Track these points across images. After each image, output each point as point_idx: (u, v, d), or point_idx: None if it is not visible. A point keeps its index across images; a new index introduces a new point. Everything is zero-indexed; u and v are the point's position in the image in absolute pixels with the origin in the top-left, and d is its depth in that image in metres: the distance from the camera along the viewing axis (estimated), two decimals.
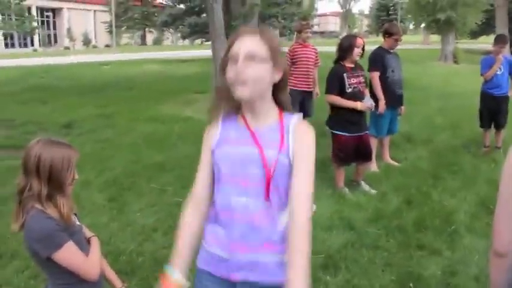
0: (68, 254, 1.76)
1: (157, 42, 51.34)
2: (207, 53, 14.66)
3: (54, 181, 1.77)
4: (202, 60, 19.45)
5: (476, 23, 22.50)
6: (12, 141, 6.88)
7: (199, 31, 21.62)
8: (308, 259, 1.41)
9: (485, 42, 21.41)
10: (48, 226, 1.74)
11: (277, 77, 1.58)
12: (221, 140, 1.62)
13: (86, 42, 51.49)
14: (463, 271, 3.27)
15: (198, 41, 25.55)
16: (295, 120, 1.60)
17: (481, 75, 6.35)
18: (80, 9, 54.78)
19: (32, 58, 25.68)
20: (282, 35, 27.39)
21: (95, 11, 56.26)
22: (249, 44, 1.53)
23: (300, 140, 1.55)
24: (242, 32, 1.58)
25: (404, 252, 3.57)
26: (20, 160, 1.81)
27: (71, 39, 51.81)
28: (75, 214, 1.94)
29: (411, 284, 3.13)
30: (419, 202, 4.55)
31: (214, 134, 1.65)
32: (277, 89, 1.62)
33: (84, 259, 1.82)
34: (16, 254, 3.45)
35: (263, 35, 1.55)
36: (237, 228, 1.56)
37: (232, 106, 1.63)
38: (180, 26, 23.02)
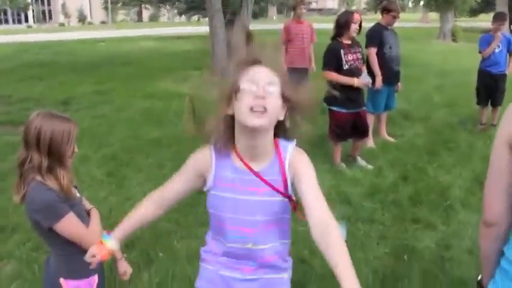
0: (69, 224, 1.80)
1: (154, 18, 50.74)
2: (204, 29, 14.53)
3: (54, 153, 1.79)
4: (199, 37, 19.25)
5: (475, 1, 22.31)
6: (10, 117, 6.88)
7: (196, 7, 21.37)
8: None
9: (485, 20, 21.23)
10: (49, 197, 1.77)
11: (281, 116, 1.50)
12: (217, 180, 1.55)
13: (81, 18, 50.86)
14: (457, 244, 3.34)
15: (195, 18, 25.31)
16: (290, 152, 1.53)
17: (479, 52, 6.35)
18: None
19: (27, 34, 25.39)
20: (279, 12, 27.14)
21: None
22: (267, 73, 1.46)
23: (300, 171, 1.50)
24: (251, 61, 1.48)
25: (399, 226, 3.63)
26: (18, 136, 1.83)
27: (66, 15, 51.15)
28: (75, 187, 1.96)
29: (405, 256, 3.19)
30: (415, 177, 4.60)
31: (206, 167, 1.56)
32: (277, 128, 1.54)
33: (85, 229, 1.86)
34: (17, 227, 3.49)
35: (275, 70, 1.49)
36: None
37: (225, 140, 1.52)
38: (177, 2, 22.74)
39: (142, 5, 51.38)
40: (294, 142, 1.55)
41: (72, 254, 1.85)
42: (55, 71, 11.53)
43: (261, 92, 1.41)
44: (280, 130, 1.53)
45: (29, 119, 1.82)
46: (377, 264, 3.09)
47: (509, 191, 1.28)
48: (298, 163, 1.51)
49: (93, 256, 1.58)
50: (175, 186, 1.63)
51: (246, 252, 1.57)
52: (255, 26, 12.46)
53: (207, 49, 10.53)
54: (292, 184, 1.51)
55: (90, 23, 49.06)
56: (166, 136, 5.89)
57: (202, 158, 1.57)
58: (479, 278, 1.46)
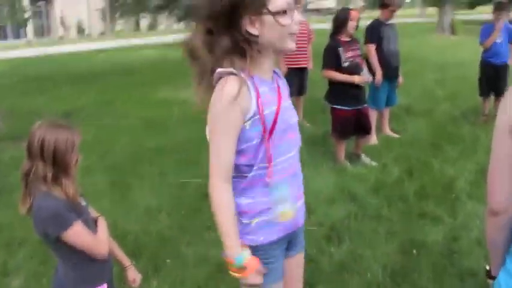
0: (77, 233, 1.79)
1: (152, 27, 50.89)
2: None
3: (58, 163, 1.79)
4: None
5: None
6: (13, 132, 6.88)
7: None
8: None
9: (485, 12, 21.13)
10: (56, 206, 1.77)
11: None
12: (264, 99, 1.53)
13: (80, 30, 51.07)
14: (465, 236, 3.32)
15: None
16: None
17: (480, 43, 6.32)
18: None
19: (27, 49, 25.50)
20: None
21: None
22: None
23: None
24: None
25: (406, 221, 3.62)
26: (22, 151, 1.83)
27: (65, 28, 51.34)
28: (81, 195, 1.96)
29: (414, 251, 3.17)
30: (420, 172, 4.58)
31: (249, 97, 1.50)
32: None
33: (93, 237, 1.86)
34: (24, 242, 3.50)
35: None
36: (295, 182, 1.67)
37: (246, 60, 1.51)
38: (175, 9, 22.73)
39: (140, 14, 51.50)
40: None
41: (80, 262, 1.85)
42: (56, 84, 11.55)
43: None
44: None
45: (32, 129, 1.82)
46: (386, 260, 3.08)
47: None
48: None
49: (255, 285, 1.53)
50: (232, 154, 1.52)
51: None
52: None
53: None
54: None
55: (89, 35, 49.22)
56: (169, 143, 5.89)
57: (240, 95, 1.46)
58: (487, 267, 1.45)
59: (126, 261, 2.14)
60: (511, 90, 1.26)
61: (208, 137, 1.55)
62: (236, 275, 1.51)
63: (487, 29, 6.25)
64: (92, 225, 1.93)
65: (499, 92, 6.28)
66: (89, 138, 6.06)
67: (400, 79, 5.74)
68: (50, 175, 1.78)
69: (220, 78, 1.51)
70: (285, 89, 1.68)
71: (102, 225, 1.99)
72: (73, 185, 1.85)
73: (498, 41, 6.15)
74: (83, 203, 1.95)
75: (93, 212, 2.03)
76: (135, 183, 4.68)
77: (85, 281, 1.88)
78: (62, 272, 1.90)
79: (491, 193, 1.31)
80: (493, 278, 1.39)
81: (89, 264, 1.87)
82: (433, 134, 5.79)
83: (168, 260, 3.22)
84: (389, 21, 5.54)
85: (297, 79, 6.14)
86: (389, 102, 5.73)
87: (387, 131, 5.89)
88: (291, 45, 1.53)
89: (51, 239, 1.79)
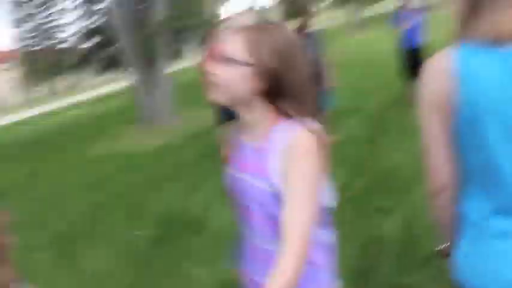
0: None
1: (72, 86, 49.70)
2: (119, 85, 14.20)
3: None
4: (118, 94, 19.19)
5: None
6: None
7: (115, 63, 21.06)
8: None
9: (388, 4, 22.25)
10: None
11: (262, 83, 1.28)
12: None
13: None
14: (420, 223, 3.36)
15: (109, 76, 24.82)
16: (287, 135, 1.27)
17: (395, 29, 6.57)
18: None
19: None
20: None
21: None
22: (225, 42, 1.32)
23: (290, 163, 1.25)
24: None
25: (361, 220, 3.62)
26: None
27: None
28: (21, 278, 1.77)
29: (372, 247, 3.17)
30: (363, 169, 4.63)
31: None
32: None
33: None
34: None
35: (238, 33, 1.29)
36: None
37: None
38: (96, 62, 22.29)
39: (58, 76, 50.17)
40: (301, 122, 1.28)
41: None
42: None
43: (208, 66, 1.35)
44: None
45: None
46: (348, 262, 3.04)
47: (448, 151, 1.24)
48: (291, 151, 1.25)
49: None
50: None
51: None
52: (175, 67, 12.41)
53: (130, 104, 10.35)
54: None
55: (4, 108, 47.26)
56: (109, 198, 5.65)
57: None
58: (438, 248, 1.42)
59: None
60: (427, 64, 1.23)
61: None
62: None
63: (396, 15, 6.54)
64: None
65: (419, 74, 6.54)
66: (25, 213, 5.71)
67: (329, 83, 5.79)
68: None
69: None
70: None
71: None
72: (8, 272, 1.67)
73: (410, 24, 6.43)
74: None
75: None
76: (82, 251, 4.41)
77: None
78: None
79: (432, 173, 1.29)
80: (447, 255, 1.37)
81: None
82: (367, 129, 5.91)
83: None
84: (307, 30, 5.61)
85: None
86: (321, 108, 5.79)
87: None
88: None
89: None
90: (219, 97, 1.31)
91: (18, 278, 1.69)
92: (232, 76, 1.27)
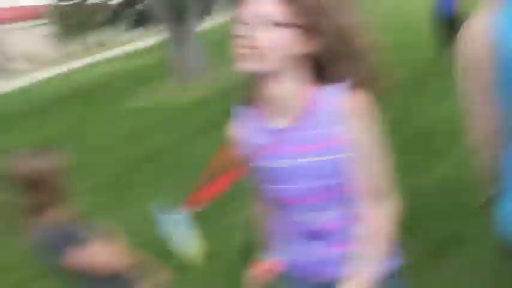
0: (84, 254, 1.74)
1: (102, 43, 49.92)
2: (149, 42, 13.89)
3: (49, 190, 1.76)
4: (148, 51, 19.24)
5: None
6: None
7: (145, 20, 20.91)
8: None
9: None
10: (57, 234, 1.73)
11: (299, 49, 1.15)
12: None
13: (30, 59, 49.74)
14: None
15: (139, 33, 24.65)
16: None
17: None
18: (18, 28, 52.54)
19: None
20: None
21: (33, 26, 54.05)
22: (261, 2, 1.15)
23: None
24: None
25: (401, 175, 3.67)
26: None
27: (13, 60, 49.82)
28: (81, 215, 1.90)
29: (416, 201, 3.22)
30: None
31: None
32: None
33: (101, 254, 1.81)
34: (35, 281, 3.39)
35: None
36: None
37: None
38: (125, 19, 22.17)
39: (89, 32, 50.32)
40: (344, 84, 1.15)
41: (97, 281, 1.81)
42: (17, 121, 10.93)
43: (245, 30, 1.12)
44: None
45: (13, 164, 1.77)
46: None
47: (491, 108, 1.22)
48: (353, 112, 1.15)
49: None
50: None
51: None
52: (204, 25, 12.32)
53: (160, 60, 10.37)
54: None
55: (40, 62, 47.95)
56: (148, 153, 5.86)
57: None
58: (481, 200, 1.42)
59: (157, 268, 2.05)
60: (466, 25, 1.23)
61: None
62: None
63: None
64: (101, 240, 1.88)
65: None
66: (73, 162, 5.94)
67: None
68: (44, 204, 1.75)
69: None
70: None
71: (111, 238, 1.94)
72: (70, 209, 1.82)
73: None
74: (85, 223, 1.90)
75: (98, 227, 1.96)
76: (128, 199, 4.62)
77: None
78: None
79: (471, 130, 1.30)
80: (491, 207, 1.34)
81: (105, 280, 1.82)
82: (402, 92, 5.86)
83: None
84: None
85: None
86: None
87: None
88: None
89: (61, 268, 1.75)
90: (254, 66, 1.12)
91: (77, 215, 1.84)
92: (278, 40, 1.11)
